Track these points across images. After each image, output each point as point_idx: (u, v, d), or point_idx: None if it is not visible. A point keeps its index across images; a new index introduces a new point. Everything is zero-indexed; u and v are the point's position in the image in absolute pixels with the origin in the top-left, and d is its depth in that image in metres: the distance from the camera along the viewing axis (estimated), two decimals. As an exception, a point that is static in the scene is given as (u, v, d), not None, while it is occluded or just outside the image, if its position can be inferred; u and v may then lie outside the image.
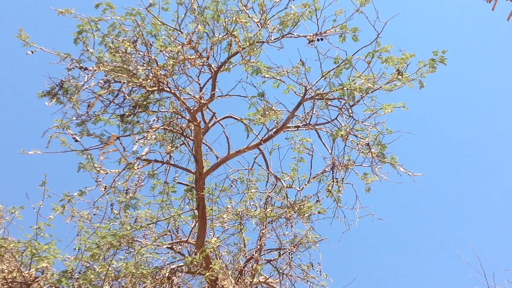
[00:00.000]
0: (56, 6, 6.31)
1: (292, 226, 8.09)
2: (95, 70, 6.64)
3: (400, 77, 6.34)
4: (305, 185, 7.66)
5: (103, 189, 7.34)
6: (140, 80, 6.69)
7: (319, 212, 7.70)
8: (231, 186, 8.46)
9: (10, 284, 6.80)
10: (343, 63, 6.82)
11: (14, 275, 6.86)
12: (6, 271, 6.93)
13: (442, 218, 16.22)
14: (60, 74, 6.57)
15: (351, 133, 6.99)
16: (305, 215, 7.68)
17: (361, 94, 6.66)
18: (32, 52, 6.43)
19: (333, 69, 6.95)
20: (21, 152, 6.63)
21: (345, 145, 7.08)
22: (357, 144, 7.17)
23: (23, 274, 6.70)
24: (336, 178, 7.27)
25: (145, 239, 8.45)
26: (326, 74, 6.98)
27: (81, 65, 6.61)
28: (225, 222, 8.08)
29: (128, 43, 6.73)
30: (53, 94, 6.56)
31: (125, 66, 6.60)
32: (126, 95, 6.93)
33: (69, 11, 6.32)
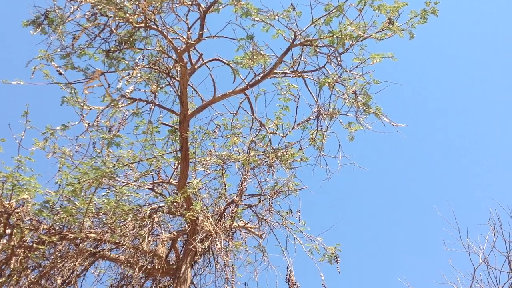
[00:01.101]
0: None
1: (273, 173, 8.16)
2: (82, 2, 6.47)
3: (391, 26, 6.29)
4: (289, 132, 7.68)
5: (86, 125, 7.27)
6: (127, 15, 6.54)
7: (301, 160, 7.77)
8: (215, 130, 8.46)
9: (-11, 213, 6.80)
10: (334, 10, 6.72)
11: (-5, 205, 6.85)
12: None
13: (422, 171, 16.54)
14: (46, 3, 6.42)
15: (338, 81, 6.97)
16: (287, 162, 7.73)
17: (351, 42, 6.60)
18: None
19: (324, 15, 6.85)
20: (3, 81, 6.52)
21: (331, 93, 7.08)
22: (343, 93, 7.17)
23: (3, 204, 6.69)
24: (321, 126, 7.29)
25: (127, 178, 8.49)
26: (316, 20, 6.88)
27: (67, -5, 6.43)
28: (207, 165, 8.12)
29: (116, -24, 6.54)
30: (38, 24, 6.42)
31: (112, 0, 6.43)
32: (112, 29, 6.79)
33: None
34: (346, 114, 7.24)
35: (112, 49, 6.93)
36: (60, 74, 6.76)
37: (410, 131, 7.15)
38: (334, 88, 7.12)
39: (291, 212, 8.30)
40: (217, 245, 7.21)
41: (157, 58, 7.42)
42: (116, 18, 6.62)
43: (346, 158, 7.34)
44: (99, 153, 7.88)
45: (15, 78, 6.50)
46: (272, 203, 8.42)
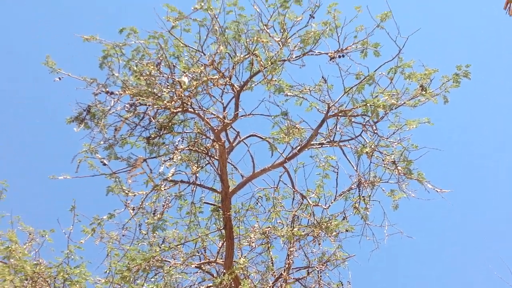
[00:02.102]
0: (81, 32, 6.51)
1: (319, 244, 8.04)
2: (121, 94, 6.78)
3: (424, 92, 6.28)
4: (331, 203, 7.60)
5: (131, 211, 7.45)
6: (165, 102, 6.79)
7: (346, 230, 7.63)
8: (257, 203, 8.47)
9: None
10: (366, 79, 6.79)
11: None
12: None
13: (473, 234, 15.77)
14: (87, 99, 6.75)
15: (376, 149, 6.92)
16: (333, 233, 7.61)
17: (384, 110, 6.61)
18: (60, 78, 6.62)
19: (356, 85, 6.93)
20: (51, 177, 6.82)
21: (371, 162, 7.02)
22: (383, 160, 7.10)
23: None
24: (363, 196, 7.20)
25: (174, 259, 8.52)
26: (348, 90, 6.96)
27: (107, 89, 6.76)
28: (252, 242, 8.07)
29: (152, 66, 6.86)
30: (81, 120, 6.73)
31: (149, 89, 6.71)
32: (151, 117, 7.04)
33: (94, 37, 6.50)
34: (388, 182, 7.13)
35: (153, 136, 7.17)
36: (104, 164, 7.02)
37: (457, 196, 6.95)
38: (373, 155, 7.06)
39: (341, 284, 8.08)
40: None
41: (196, 140, 7.61)
42: (155, 106, 6.89)
43: (393, 227, 7.18)
44: (145, 235, 8.00)
45: (61, 173, 6.80)
46: (321, 275, 8.24)
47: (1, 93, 15.34)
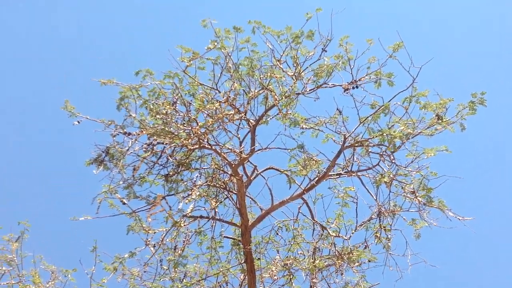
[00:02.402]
0: (98, 77, 6.65)
1: (342, 274, 7.96)
2: (138, 134, 6.88)
3: (440, 121, 6.26)
4: (352, 233, 7.55)
5: (152, 249, 7.49)
6: (182, 139, 6.86)
7: (369, 261, 7.56)
8: (277, 234, 8.43)
9: None
10: (381, 109, 6.80)
11: None
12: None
13: (496, 262, 15.40)
14: (106, 141, 6.86)
15: (395, 179, 6.88)
16: (355, 264, 7.54)
17: (401, 140, 6.59)
18: (78, 122, 6.73)
19: (371, 114, 6.94)
20: (72, 219, 6.92)
21: (390, 191, 6.97)
22: (402, 189, 7.05)
23: None
24: (384, 226, 7.14)
25: (196, 294, 8.50)
26: (364, 120, 6.97)
27: (125, 130, 6.87)
28: (274, 275, 8.03)
29: (168, 105, 6.95)
30: (100, 161, 6.81)
31: (166, 128, 6.79)
32: (169, 155, 7.12)
33: (111, 81, 6.62)
34: (408, 210, 7.07)
35: (171, 173, 7.23)
36: (124, 204, 7.10)
37: (478, 223, 6.86)
38: (392, 184, 7.02)
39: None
40: None
41: (214, 175, 7.66)
42: (172, 145, 6.97)
43: (416, 256, 7.09)
44: (166, 270, 8.02)
45: (82, 214, 6.89)
46: (345, 306, 8.12)
47: (24, 139, 15.78)
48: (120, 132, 6.84)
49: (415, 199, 6.87)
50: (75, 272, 8.36)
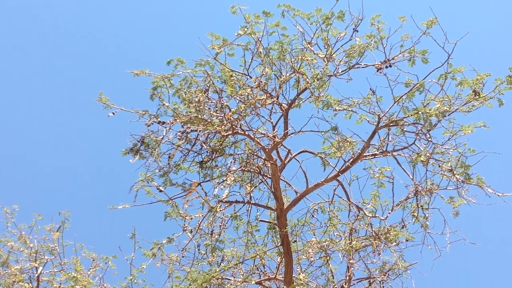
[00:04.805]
0: (131, 68, 6.71)
1: (379, 254, 7.94)
2: (172, 123, 6.95)
3: (477, 97, 6.13)
4: (389, 213, 7.51)
5: (189, 234, 7.61)
6: (215, 126, 6.90)
7: (406, 240, 7.52)
8: (312, 216, 8.45)
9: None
10: (416, 87, 6.69)
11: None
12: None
13: None
14: (140, 130, 6.95)
15: (432, 157, 6.79)
16: (393, 244, 7.52)
17: (437, 118, 6.48)
18: (113, 113, 6.83)
19: (406, 93, 6.82)
20: (111, 207, 7.06)
21: (427, 170, 6.89)
22: (439, 166, 6.96)
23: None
24: (421, 204, 7.08)
25: (234, 277, 8.62)
26: (399, 99, 6.86)
27: (159, 119, 6.95)
28: (311, 257, 8.07)
29: (200, 93, 6.98)
30: (136, 151, 6.92)
31: (199, 116, 6.83)
32: (203, 142, 7.17)
33: (144, 72, 6.67)
34: (446, 189, 6.99)
35: (205, 160, 7.30)
36: (161, 191, 7.22)
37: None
38: (429, 163, 6.93)
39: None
40: None
41: (248, 160, 7.69)
42: (205, 132, 7.01)
43: (454, 234, 7.02)
44: (204, 255, 8.14)
45: (120, 203, 7.03)
46: (383, 285, 8.13)
47: (63, 131, 16.15)
48: (154, 122, 6.92)
49: (453, 177, 6.77)
50: (115, 258, 8.56)
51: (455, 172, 6.60)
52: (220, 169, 7.52)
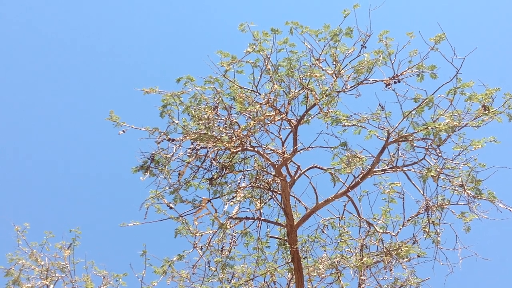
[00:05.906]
0: (141, 86, 6.79)
1: (391, 270, 7.88)
2: (182, 140, 7.00)
3: (486, 112, 6.12)
4: (400, 229, 7.46)
5: (199, 251, 7.60)
6: (225, 143, 6.93)
7: (418, 256, 7.45)
8: (323, 232, 8.41)
9: None
10: (425, 102, 6.69)
11: None
12: None
13: None
14: (150, 148, 7.00)
15: (442, 172, 6.77)
16: (404, 260, 7.45)
17: (447, 133, 6.47)
18: (124, 131, 6.89)
19: (415, 108, 6.83)
20: (121, 225, 7.09)
21: (437, 185, 6.86)
22: (450, 181, 6.92)
23: None
24: (432, 220, 7.03)
25: (245, 294, 8.58)
26: (408, 114, 6.87)
27: (168, 137, 7.00)
28: (321, 273, 8.01)
29: (210, 110, 7.03)
30: (146, 168, 6.96)
31: (209, 133, 6.87)
32: (212, 159, 7.20)
33: (154, 89, 6.74)
34: (457, 204, 6.94)
35: (215, 176, 7.32)
36: (171, 208, 7.24)
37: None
38: (439, 178, 6.90)
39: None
40: None
41: (257, 176, 7.69)
42: (215, 148, 7.05)
43: (466, 249, 6.96)
44: (214, 271, 8.12)
45: (131, 220, 7.06)
46: (395, 302, 8.04)
47: (73, 149, 16.34)
48: (164, 139, 6.97)
49: (463, 192, 6.74)
50: (125, 276, 8.56)
51: (466, 187, 6.56)
52: (230, 185, 7.53)
